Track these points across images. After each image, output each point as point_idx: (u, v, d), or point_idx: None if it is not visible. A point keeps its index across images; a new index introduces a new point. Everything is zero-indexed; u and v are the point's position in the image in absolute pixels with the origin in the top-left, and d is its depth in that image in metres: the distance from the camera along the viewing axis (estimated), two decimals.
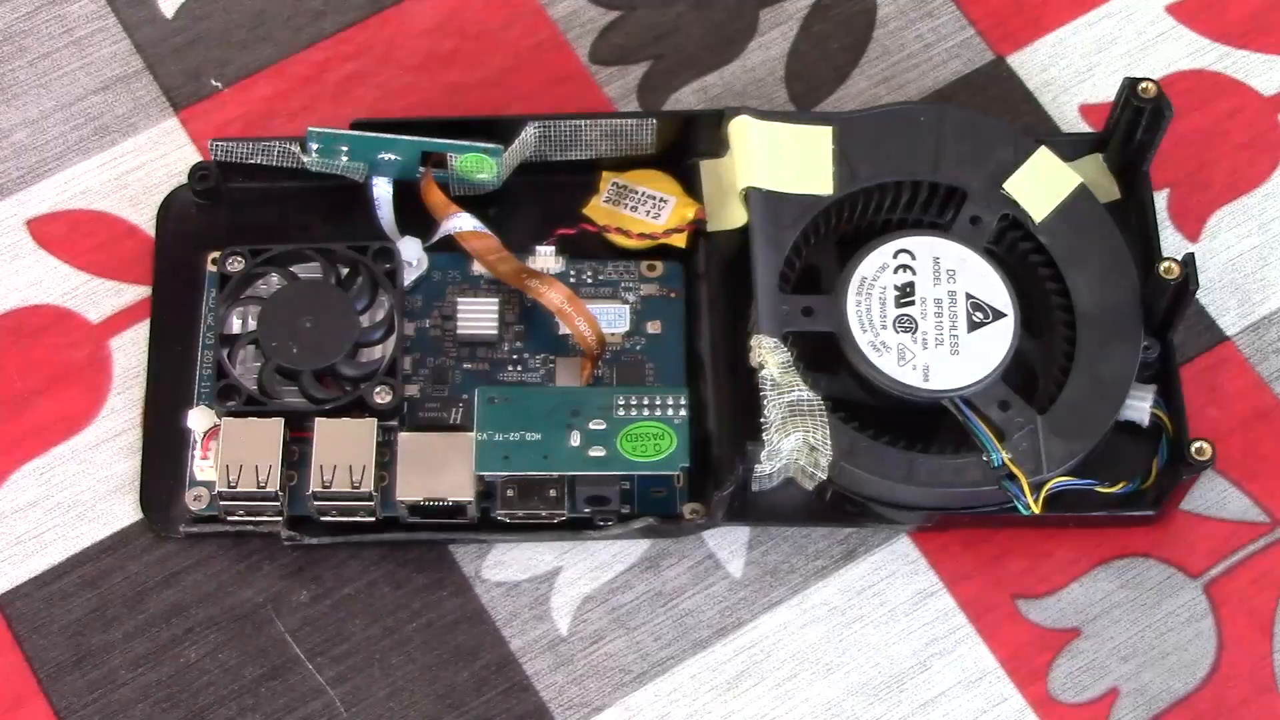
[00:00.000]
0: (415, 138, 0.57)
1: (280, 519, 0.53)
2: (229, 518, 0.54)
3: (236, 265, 0.55)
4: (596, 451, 0.53)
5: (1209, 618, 0.55)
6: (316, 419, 0.53)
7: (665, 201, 0.58)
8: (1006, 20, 0.64)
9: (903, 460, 0.53)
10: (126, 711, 0.53)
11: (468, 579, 0.55)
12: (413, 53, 0.63)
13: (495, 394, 0.54)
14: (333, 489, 0.52)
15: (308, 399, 0.54)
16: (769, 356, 0.53)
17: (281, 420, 0.53)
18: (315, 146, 0.57)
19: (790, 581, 0.55)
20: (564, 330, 0.56)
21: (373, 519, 0.54)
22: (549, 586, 0.55)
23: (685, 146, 0.59)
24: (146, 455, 0.55)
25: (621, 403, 0.53)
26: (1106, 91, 0.62)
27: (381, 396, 0.53)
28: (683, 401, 0.53)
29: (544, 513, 0.53)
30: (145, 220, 0.59)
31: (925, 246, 0.55)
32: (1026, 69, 0.63)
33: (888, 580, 0.56)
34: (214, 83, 0.62)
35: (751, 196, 0.56)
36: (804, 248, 0.56)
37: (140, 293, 0.58)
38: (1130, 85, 0.57)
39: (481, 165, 0.57)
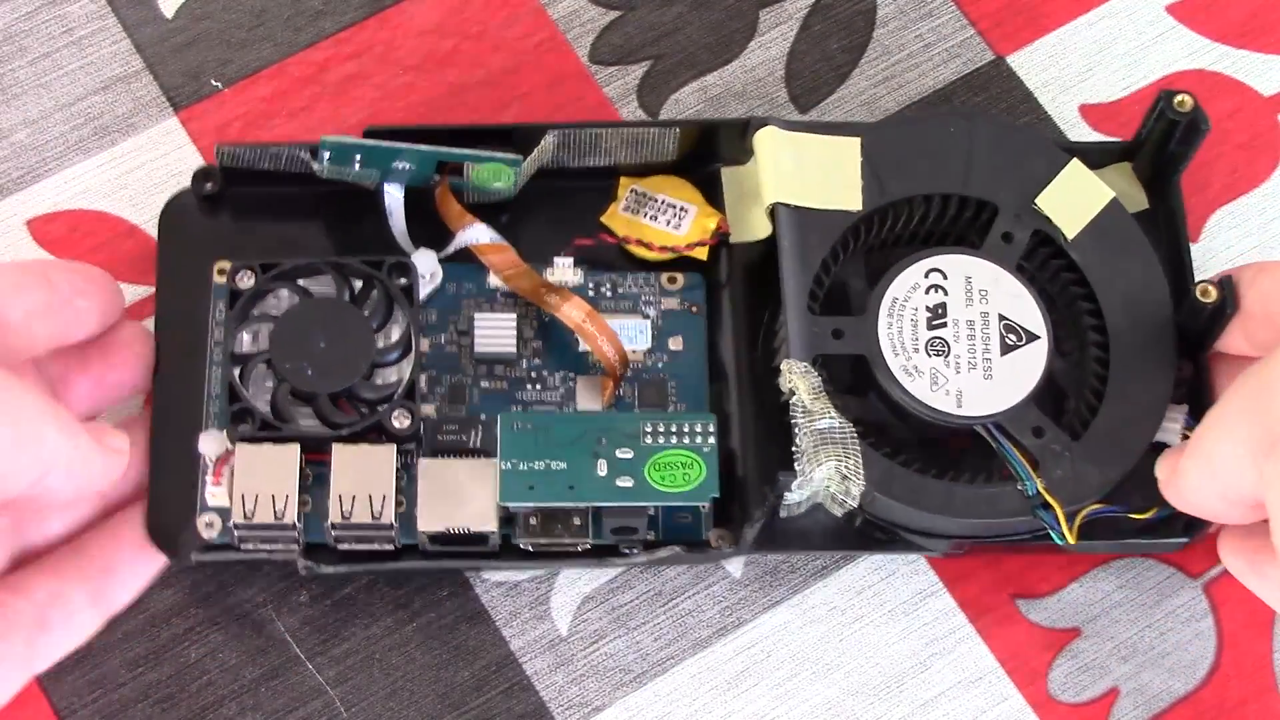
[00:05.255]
0: (433, 147, 0.55)
1: (296, 548, 0.52)
2: (243, 546, 0.52)
3: (246, 281, 0.53)
4: (624, 481, 0.51)
5: (1209, 618, 0.55)
6: (334, 445, 0.51)
7: (686, 210, 0.57)
8: (1006, 20, 0.64)
9: (937, 489, 0.52)
10: (126, 711, 0.53)
11: (468, 579, 0.55)
12: (413, 53, 0.63)
13: (518, 420, 0.52)
14: (352, 520, 0.51)
15: (324, 423, 0.52)
16: (800, 382, 0.52)
17: (297, 446, 0.51)
18: (328, 155, 0.54)
19: (790, 581, 0.55)
20: (584, 347, 0.55)
21: (391, 547, 0.52)
22: (549, 586, 0.55)
23: (706, 153, 0.58)
24: (154, 478, 0.53)
25: (649, 430, 0.52)
26: (1107, 92, 0.62)
27: (400, 420, 0.52)
28: (710, 429, 0.52)
29: (568, 541, 0.52)
30: (146, 220, 0.59)
31: (957, 265, 0.54)
32: (1026, 69, 0.63)
33: (888, 580, 0.56)
34: (214, 83, 0.62)
35: (779, 213, 0.54)
36: (832, 265, 0.54)
37: (140, 292, 0.58)
38: (1166, 98, 0.55)
39: (499, 174, 0.56)
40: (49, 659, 0.51)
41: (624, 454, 0.51)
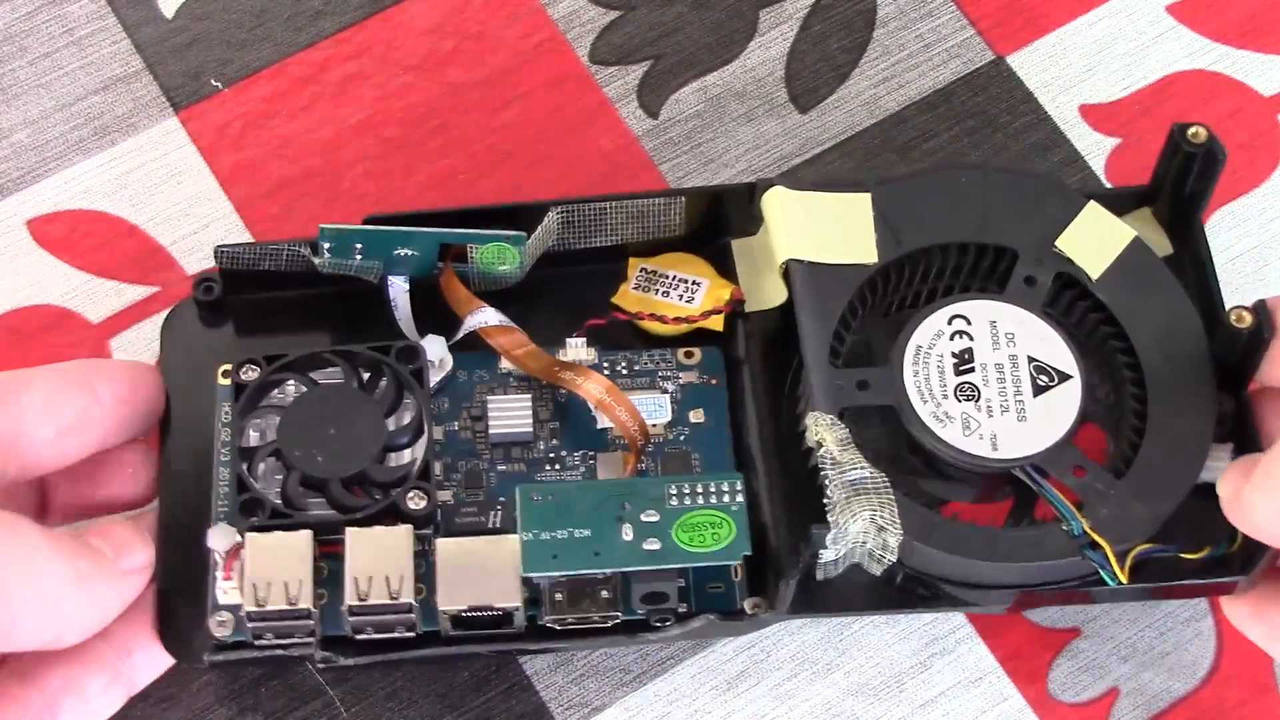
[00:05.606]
0: (433, 229, 0.53)
1: (313, 640, 0.50)
2: (257, 641, 0.50)
3: (251, 374, 0.51)
4: (651, 545, 0.49)
5: (1209, 618, 0.55)
6: (347, 529, 0.49)
7: (698, 285, 0.56)
8: (1006, 20, 0.64)
9: (979, 535, 0.50)
10: (127, 711, 0.53)
11: None
12: (413, 53, 0.63)
13: (537, 492, 0.50)
14: (369, 601, 0.49)
15: (337, 509, 0.50)
16: (827, 434, 0.50)
17: (309, 533, 0.49)
18: (327, 246, 0.53)
19: None
20: (602, 424, 0.54)
21: (413, 634, 0.50)
22: None
23: (714, 225, 0.56)
24: (164, 582, 0.51)
25: (673, 492, 0.50)
26: (1107, 92, 0.62)
27: (415, 501, 0.50)
28: (738, 487, 0.50)
29: (596, 616, 0.50)
30: (146, 220, 0.60)
31: (980, 311, 0.53)
32: (1026, 69, 0.63)
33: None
34: (214, 83, 0.62)
35: (793, 269, 0.53)
36: (851, 321, 0.53)
37: (141, 292, 0.58)
38: (1179, 131, 0.54)
39: (504, 255, 0.54)
40: None
41: (649, 517, 0.50)
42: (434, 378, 0.53)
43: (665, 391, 0.55)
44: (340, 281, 0.55)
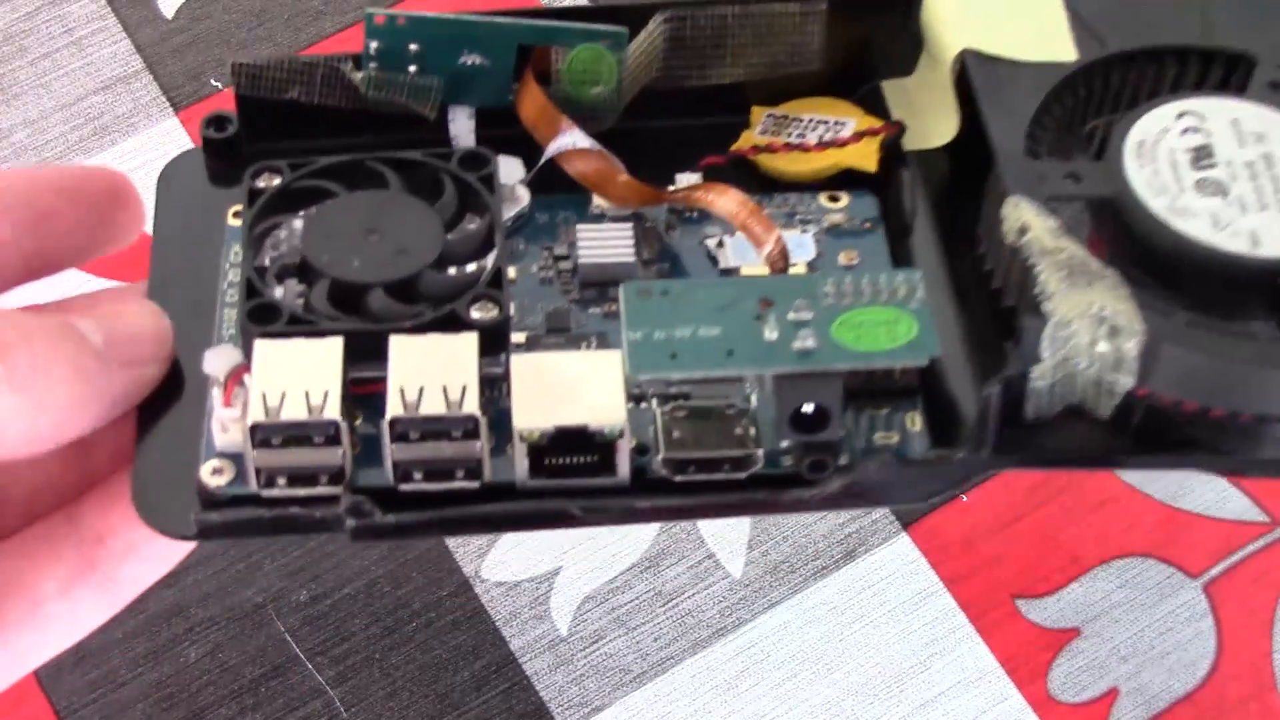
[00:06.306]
0: (511, 19, 0.42)
1: (340, 488, 0.36)
2: (265, 493, 0.36)
3: (273, 182, 0.39)
4: (805, 342, 0.36)
5: (1209, 618, 0.55)
6: (392, 337, 0.36)
7: (842, 124, 0.44)
8: None
9: (1250, 344, 0.37)
10: (126, 711, 0.53)
11: (468, 578, 0.55)
12: None
13: (647, 288, 0.37)
14: (420, 411, 0.35)
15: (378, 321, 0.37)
16: (1032, 218, 0.38)
17: (340, 339, 0.36)
18: (374, 46, 0.41)
19: (790, 581, 0.55)
20: (724, 263, 0.42)
21: (477, 484, 0.36)
22: (549, 586, 0.55)
23: (861, 60, 0.45)
24: (142, 437, 0.38)
25: (829, 290, 0.37)
26: None
27: (483, 310, 0.37)
28: (918, 284, 0.37)
29: (727, 463, 0.37)
30: (146, 220, 0.60)
31: (1216, 109, 0.42)
32: None
33: (888, 580, 0.56)
34: (214, 83, 0.62)
35: (970, 64, 0.42)
36: (1047, 122, 0.42)
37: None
38: None
39: (599, 67, 0.42)
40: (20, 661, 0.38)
41: (800, 315, 0.37)
42: (508, 212, 0.42)
43: (806, 232, 0.43)
44: (386, 128, 0.42)
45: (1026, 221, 0.38)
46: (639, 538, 0.56)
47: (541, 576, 0.55)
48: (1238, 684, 0.54)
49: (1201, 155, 0.41)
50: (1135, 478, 0.57)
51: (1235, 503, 0.57)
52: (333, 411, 0.35)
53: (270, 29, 0.63)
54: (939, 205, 0.43)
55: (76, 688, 0.53)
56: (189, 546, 0.38)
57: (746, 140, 0.44)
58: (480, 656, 0.54)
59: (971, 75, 0.42)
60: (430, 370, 0.36)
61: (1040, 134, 0.42)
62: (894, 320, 0.37)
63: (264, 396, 0.35)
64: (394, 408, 0.35)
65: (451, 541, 0.56)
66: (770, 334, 0.36)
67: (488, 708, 0.54)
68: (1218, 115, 0.42)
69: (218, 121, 0.42)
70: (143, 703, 0.53)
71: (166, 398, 0.38)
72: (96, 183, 0.40)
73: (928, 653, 0.55)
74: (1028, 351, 0.37)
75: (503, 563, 0.55)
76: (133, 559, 0.38)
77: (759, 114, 0.44)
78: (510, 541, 0.56)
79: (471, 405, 0.35)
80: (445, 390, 0.35)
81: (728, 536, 0.56)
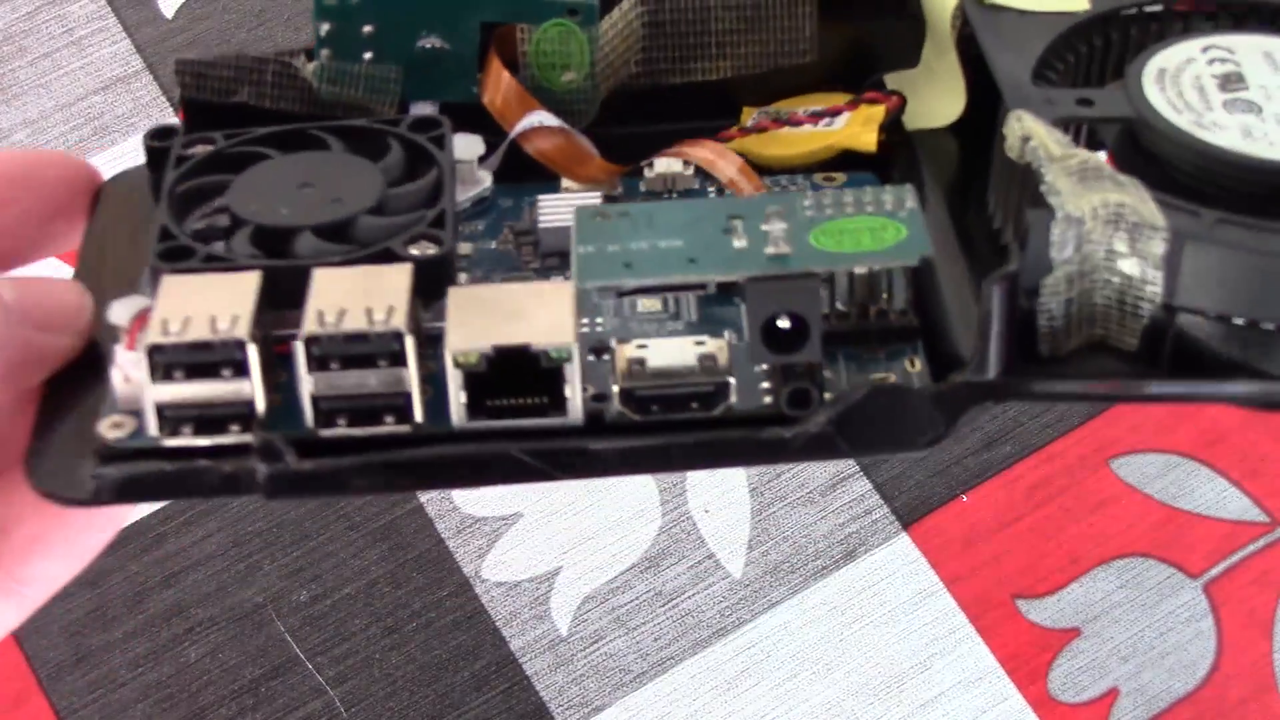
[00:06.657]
0: None
1: (250, 431, 0.31)
2: (169, 441, 0.31)
3: (200, 150, 0.35)
4: (778, 248, 0.32)
5: (1209, 618, 0.55)
6: (315, 270, 0.32)
7: (838, 112, 0.40)
8: None
9: None
10: (126, 711, 0.53)
11: (468, 579, 0.55)
12: None
13: (607, 209, 0.33)
14: (342, 327, 0.31)
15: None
16: (1036, 127, 0.34)
17: (258, 273, 0.32)
18: (325, 29, 0.38)
19: (790, 581, 0.55)
20: None
21: (408, 428, 0.31)
22: (549, 586, 0.55)
23: (859, 53, 0.40)
24: (46, 411, 0.33)
25: (809, 204, 0.33)
26: None
27: (421, 248, 0.33)
28: (908, 197, 0.33)
29: (695, 399, 0.32)
30: None
31: (1245, 43, 0.38)
32: None
33: (888, 580, 0.56)
34: None
35: (969, 10, 0.38)
36: (1056, 65, 0.38)
37: None
38: None
39: (568, 49, 0.39)
40: None
41: (775, 225, 0.32)
42: (467, 194, 0.38)
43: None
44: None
45: (1029, 129, 0.34)
46: (639, 538, 0.56)
47: (541, 576, 0.55)
48: (1238, 684, 0.54)
49: (1231, 80, 0.36)
50: (1135, 478, 0.57)
51: (1235, 503, 0.57)
52: (241, 329, 0.31)
53: (270, 29, 0.63)
54: (947, 184, 0.39)
55: (76, 688, 0.53)
56: (105, 538, 0.34)
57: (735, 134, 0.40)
58: (480, 656, 0.54)
59: (971, 20, 0.38)
60: (355, 296, 0.31)
61: (1049, 75, 0.37)
62: (880, 227, 0.32)
63: (164, 322, 0.31)
64: (310, 325, 0.31)
65: (451, 541, 0.56)
66: (739, 243, 0.32)
67: (488, 708, 0.54)
68: (1249, 49, 0.37)
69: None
70: (143, 703, 0.53)
71: (79, 381, 0.34)
72: (52, 170, 0.36)
73: (928, 653, 0.55)
74: (1034, 255, 0.31)
75: (503, 563, 0.55)
76: (40, 553, 0.33)
77: (749, 115, 0.41)
78: (510, 541, 0.56)
79: (399, 321, 0.31)
80: (370, 311, 0.31)
81: (728, 536, 0.56)
